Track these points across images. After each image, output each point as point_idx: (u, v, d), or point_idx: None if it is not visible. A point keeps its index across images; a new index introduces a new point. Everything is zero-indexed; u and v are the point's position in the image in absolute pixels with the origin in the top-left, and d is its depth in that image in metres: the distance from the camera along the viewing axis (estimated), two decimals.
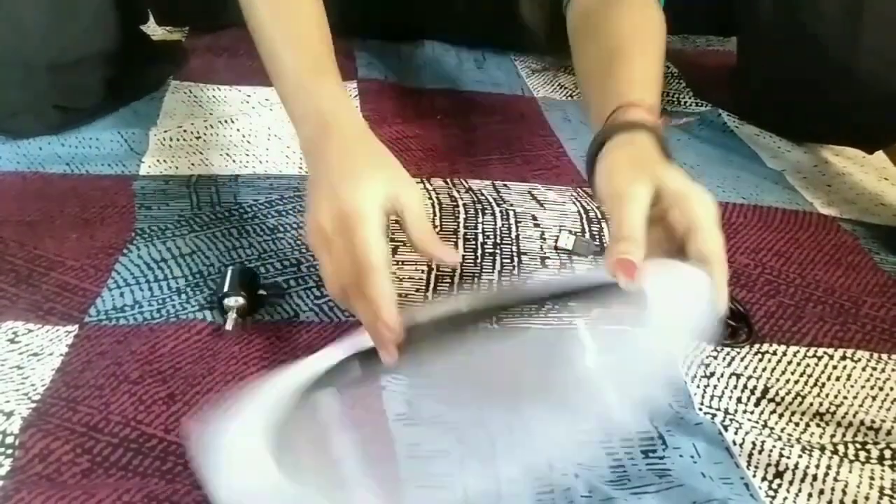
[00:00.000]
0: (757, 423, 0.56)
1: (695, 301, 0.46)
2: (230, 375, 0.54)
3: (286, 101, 0.58)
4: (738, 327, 0.63)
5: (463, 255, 0.68)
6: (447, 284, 0.65)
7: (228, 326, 0.57)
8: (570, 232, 0.71)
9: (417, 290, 0.64)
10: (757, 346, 0.62)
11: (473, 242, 0.70)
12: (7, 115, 0.78)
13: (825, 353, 0.62)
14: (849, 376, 0.60)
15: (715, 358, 0.61)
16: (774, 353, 0.62)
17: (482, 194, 0.77)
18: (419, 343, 0.46)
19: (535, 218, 0.74)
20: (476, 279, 0.66)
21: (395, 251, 0.68)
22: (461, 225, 0.72)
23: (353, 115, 0.56)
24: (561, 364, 0.46)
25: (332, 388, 0.46)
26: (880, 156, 0.92)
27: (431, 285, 0.65)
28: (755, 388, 0.58)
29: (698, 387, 0.58)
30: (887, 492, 0.51)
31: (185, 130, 0.83)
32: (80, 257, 0.64)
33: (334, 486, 0.41)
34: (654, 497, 0.49)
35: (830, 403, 0.57)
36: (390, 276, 0.46)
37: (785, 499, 0.50)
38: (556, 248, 0.70)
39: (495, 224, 0.73)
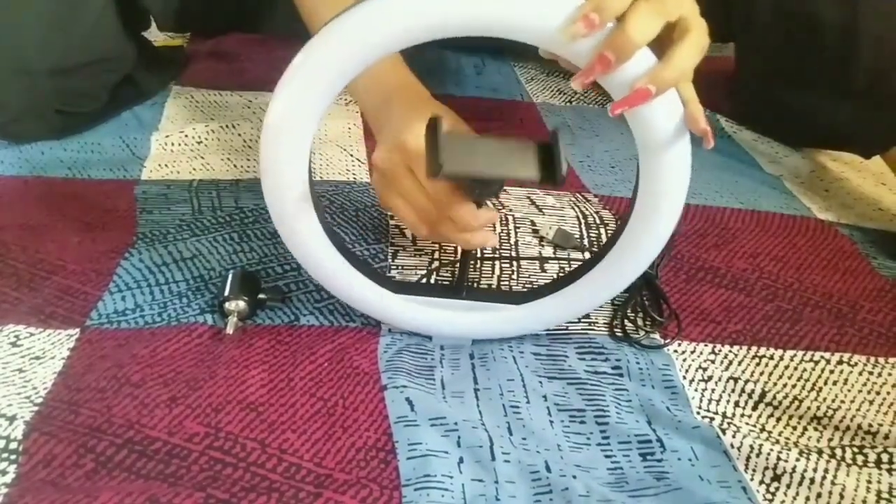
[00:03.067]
0: (755, 426, 0.56)
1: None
2: (231, 379, 0.54)
3: None
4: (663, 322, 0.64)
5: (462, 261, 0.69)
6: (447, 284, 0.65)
7: (229, 330, 0.57)
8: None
9: None
10: (755, 348, 0.63)
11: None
12: (9, 120, 0.78)
13: (822, 357, 0.63)
14: (846, 380, 0.61)
15: (713, 362, 0.61)
16: (772, 358, 0.62)
17: None
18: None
19: (533, 223, 0.75)
20: (475, 284, 0.66)
21: (395, 255, 0.68)
22: None
23: (410, 82, 0.61)
24: None
25: None
26: (877, 161, 0.92)
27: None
28: (753, 391, 0.59)
29: (696, 390, 0.58)
30: (884, 495, 0.51)
31: (186, 135, 0.83)
32: (81, 261, 0.64)
33: None
34: (652, 500, 0.49)
35: (828, 407, 0.58)
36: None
37: (783, 502, 0.50)
38: (541, 239, 0.72)
39: (494, 229, 0.73)
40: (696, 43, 0.44)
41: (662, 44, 0.44)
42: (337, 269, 0.56)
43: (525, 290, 0.64)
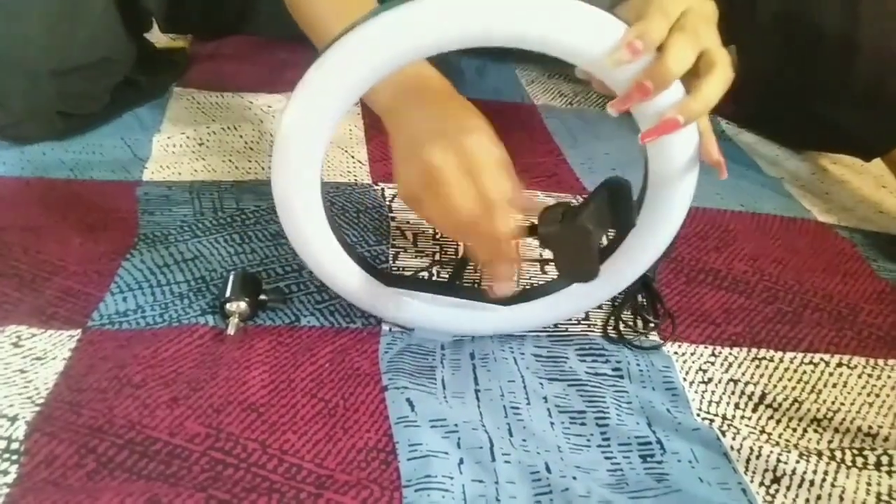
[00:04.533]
0: (755, 428, 0.56)
1: None
2: (232, 380, 0.54)
3: None
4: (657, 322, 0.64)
5: (463, 262, 0.69)
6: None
7: (230, 331, 0.57)
8: None
9: None
10: (755, 350, 0.63)
11: None
12: (12, 122, 0.78)
13: (822, 359, 0.63)
14: (845, 383, 0.61)
15: (713, 364, 0.61)
16: (772, 360, 0.62)
17: None
18: None
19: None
20: (476, 285, 0.66)
21: (396, 257, 0.68)
22: None
23: (437, 75, 0.57)
24: None
25: None
26: (878, 164, 0.92)
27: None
28: (753, 393, 0.59)
29: (696, 392, 0.58)
30: (884, 497, 0.51)
31: (188, 137, 0.83)
32: (83, 262, 0.64)
33: None
34: (651, 501, 0.49)
35: (828, 409, 0.58)
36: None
37: None
38: None
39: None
40: (722, 76, 0.46)
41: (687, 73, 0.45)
42: (339, 263, 0.55)
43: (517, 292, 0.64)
